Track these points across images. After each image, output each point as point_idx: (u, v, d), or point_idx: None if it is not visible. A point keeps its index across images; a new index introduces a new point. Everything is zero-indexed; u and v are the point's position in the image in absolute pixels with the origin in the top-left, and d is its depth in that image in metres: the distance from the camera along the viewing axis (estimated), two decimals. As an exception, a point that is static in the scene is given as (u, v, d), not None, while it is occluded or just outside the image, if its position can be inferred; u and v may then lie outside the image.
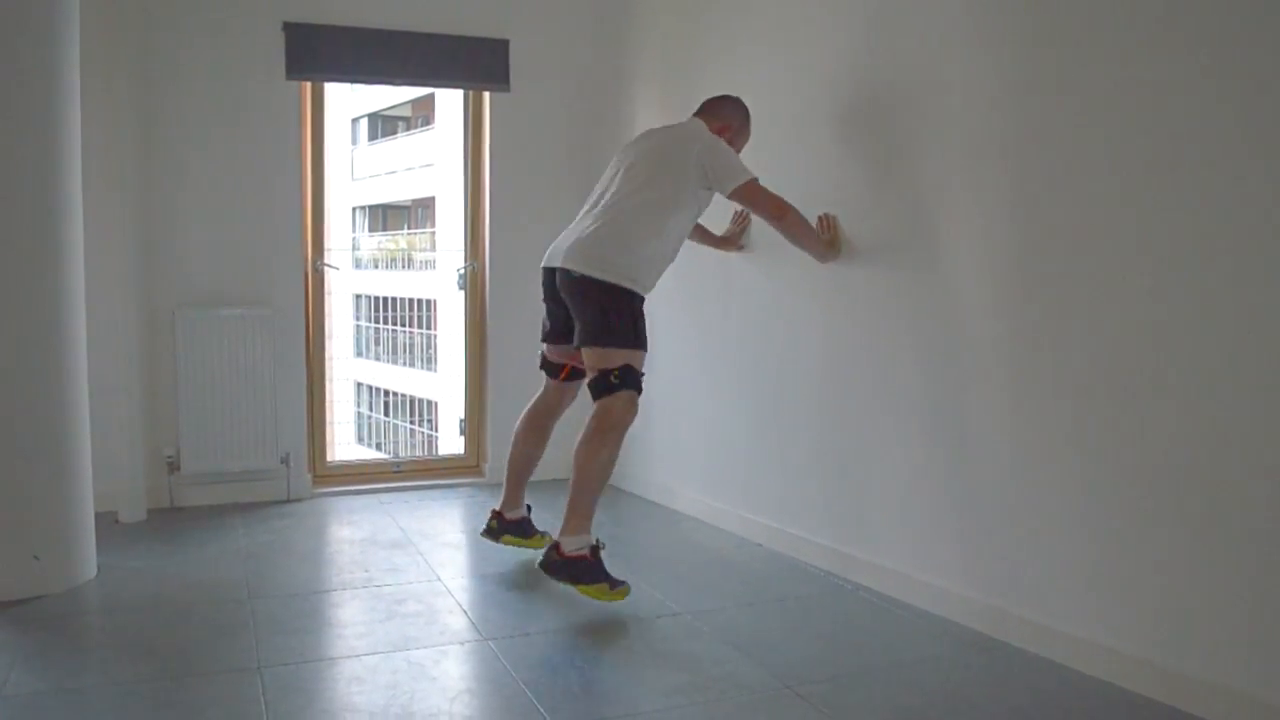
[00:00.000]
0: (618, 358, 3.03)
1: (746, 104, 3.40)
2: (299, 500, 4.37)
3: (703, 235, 3.65)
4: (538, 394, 3.49)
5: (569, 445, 3.65)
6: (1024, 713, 2.37)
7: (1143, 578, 2.42)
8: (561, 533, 3.00)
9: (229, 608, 3.02)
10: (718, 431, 3.99)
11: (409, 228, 17.55)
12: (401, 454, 11.43)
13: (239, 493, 4.31)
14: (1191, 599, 2.32)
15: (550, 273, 3.19)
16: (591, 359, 3.07)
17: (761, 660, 2.64)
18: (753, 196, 3.18)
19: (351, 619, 2.98)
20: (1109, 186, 2.46)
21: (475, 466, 4.86)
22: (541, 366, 3.45)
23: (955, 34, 2.87)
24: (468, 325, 4.87)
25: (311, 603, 3.10)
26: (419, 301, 13.22)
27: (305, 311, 4.45)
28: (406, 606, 3.05)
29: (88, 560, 3.27)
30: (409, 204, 17.40)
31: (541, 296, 3.30)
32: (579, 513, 3.01)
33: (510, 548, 3.51)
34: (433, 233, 15.72)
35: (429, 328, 13.12)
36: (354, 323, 14.83)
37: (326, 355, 4.67)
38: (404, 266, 14.97)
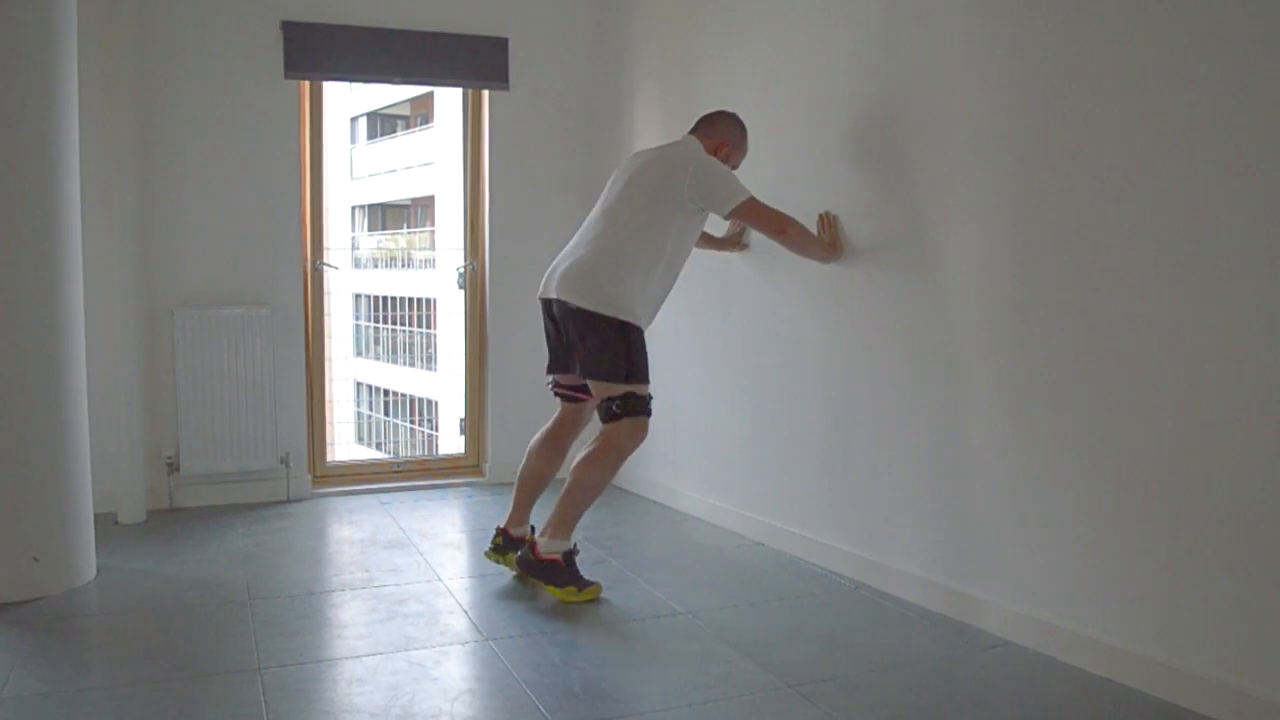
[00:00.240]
0: (617, 390, 3.06)
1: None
2: (299, 500, 4.37)
3: (704, 239, 3.62)
4: (555, 415, 3.44)
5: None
6: (1027, 710, 2.37)
7: (1143, 575, 2.42)
8: (541, 533, 3.13)
9: (229, 609, 3.01)
10: (718, 430, 3.98)
11: (408, 227, 17.54)
12: (401, 453, 11.42)
13: (239, 493, 4.30)
14: (1192, 596, 2.31)
15: (547, 302, 3.18)
16: (595, 388, 3.14)
17: (763, 659, 2.63)
18: (751, 215, 3.15)
19: (352, 619, 2.98)
20: (1108, 190, 2.45)
21: (475, 466, 4.86)
22: (556, 394, 3.40)
23: (957, 36, 2.86)
24: (468, 325, 4.87)
25: (312, 603, 3.09)
26: (419, 301, 13.21)
27: (305, 311, 4.45)
28: (407, 607, 3.04)
29: (87, 561, 3.26)
30: (408, 203, 17.39)
31: (542, 324, 3.28)
32: (562, 521, 3.10)
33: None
34: (432, 232, 15.70)
35: (429, 327, 13.11)
36: (354, 322, 14.81)
37: (326, 355, 4.67)
38: (403, 266, 14.95)
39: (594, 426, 3.49)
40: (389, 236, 17.62)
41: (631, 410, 3.05)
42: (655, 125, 4.31)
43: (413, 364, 13.46)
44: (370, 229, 18.22)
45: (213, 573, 3.38)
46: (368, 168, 17.83)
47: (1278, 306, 2.13)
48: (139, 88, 4.05)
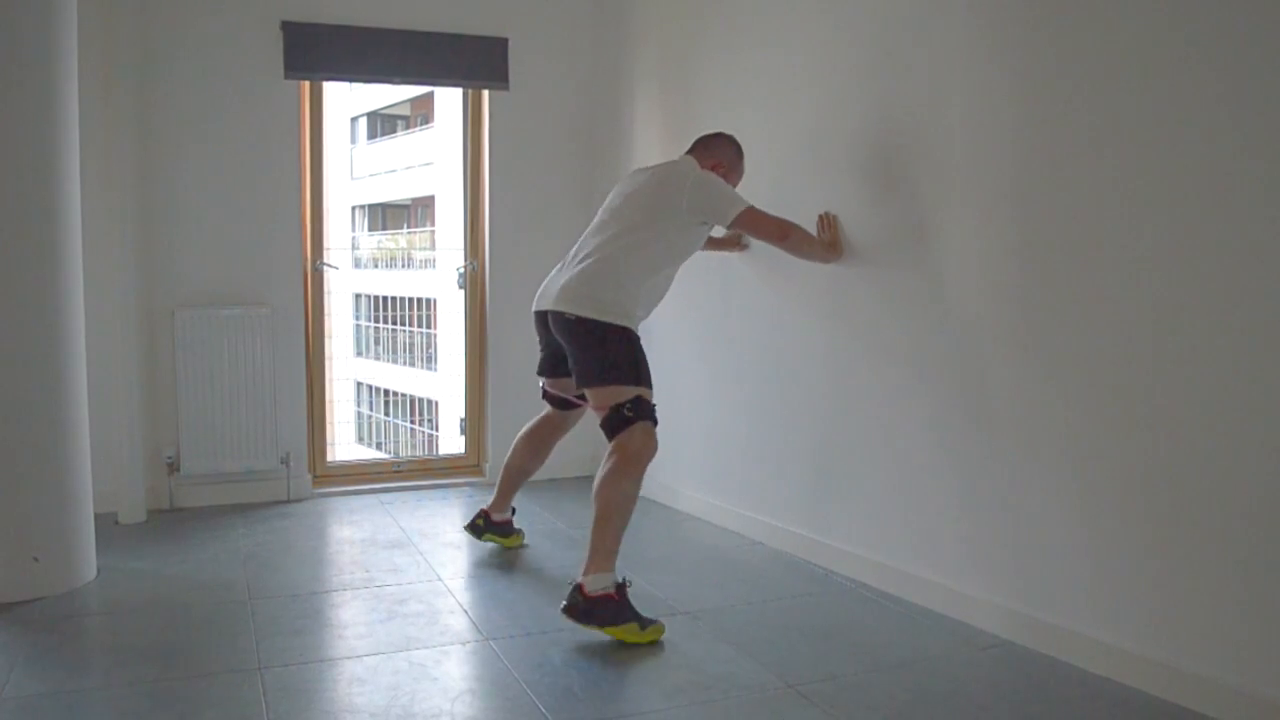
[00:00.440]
0: (626, 392, 2.91)
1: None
2: (299, 500, 4.37)
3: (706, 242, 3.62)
4: (543, 413, 3.51)
5: (563, 447, 3.67)
6: (1027, 710, 2.37)
7: (1146, 575, 2.42)
8: (584, 573, 2.79)
9: (229, 609, 3.02)
10: (718, 429, 3.98)
11: (408, 227, 17.54)
12: (402, 453, 11.41)
13: (239, 493, 4.30)
14: (1192, 596, 2.31)
15: (542, 315, 3.15)
16: (598, 398, 2.96)
17: (763, 659, 2.63)
18: (752, 223, 3.14)
19: (352, 619, 2.98)
20: (1108, 191, 2.45)
21: (475, 466, 4.86)
22: (544, 398, 3.46)
23: (958, 36, 2.86)
24: (468, 324, 4.87)
25: (312, 603, 3.09)
26: (419, 301, 13.20)
27: (305, 311, 4.45)
28: (407, 607, 3.04)
29: (87, 562, 3.26)
30: (408, 203, 17.39)
31: (536, 335, 3.28)
32: (601, 551, 2.81)
33: (497, 544, 3.63)
34: (432, 231, 15.71)
35: (429, 327, 13.10)
36: (354, 322, 14.81)
37: (326, 355, 4.66)
38: (404, 266, 14.95)
39: (580, 428, 3.52)
40: (389, 236, 17.63)
41: (644, 414, 2.92)
42: (655, 125, 4.31)
43: (413, 364, 13.46)
44: (370, 229, 18.23)
45: (213, 573, 3.38)
46: (368, 168, 17.83)
47: (1277, 307, 2.13)
48: (139, 88, 4.05)
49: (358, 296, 14.93)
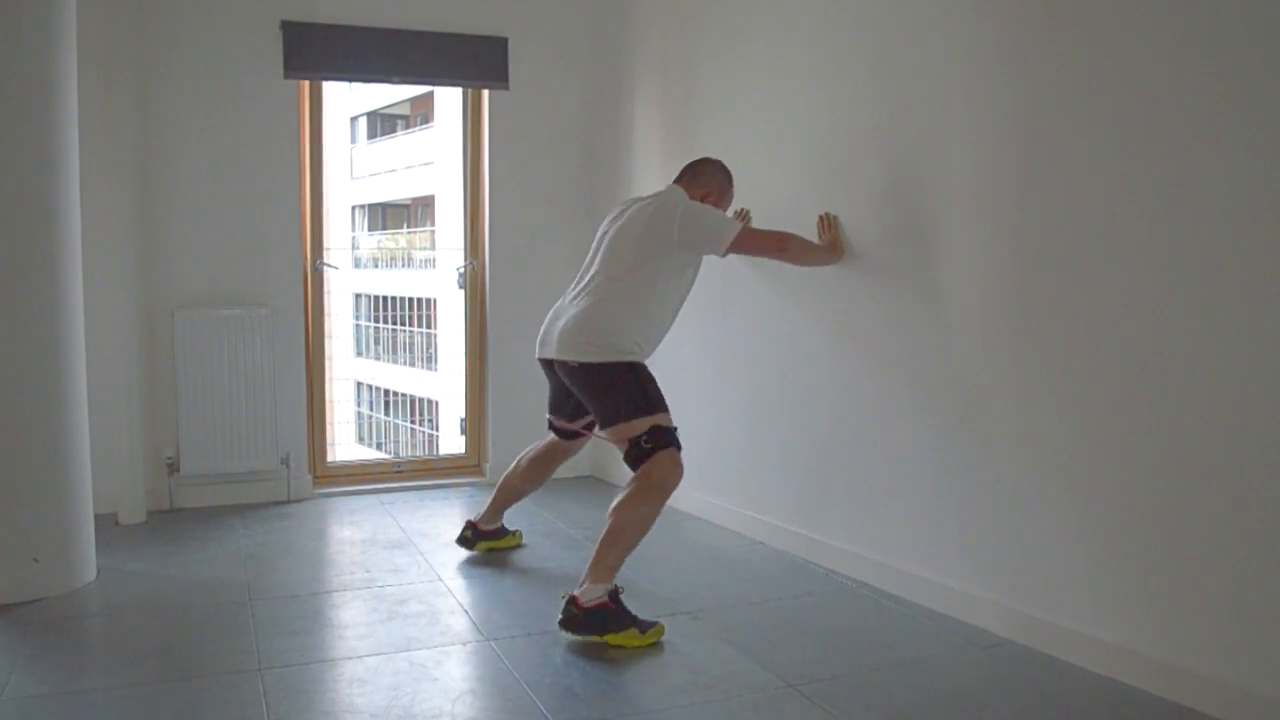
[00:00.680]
0: (640, 425, 2.90)
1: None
2: (299, 501, 4.37)
3: None
4: (549, 439, 3.48)
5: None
6: (1028, 710, 2.36)
7: (1143, 574, 2.41)
8: (580, 584, 2.81)
9: (229, 609, 3.01)
10: (718, 429, 3.98)
11: (408, 226, 17.54)
12: (402, 453, 11.41)
13: (239, 494, 4.30)
14: (1192, 594, 2.31)
15: (548, 362, 3.13)
16: (616, 435, 2.95)
17: (763, 659, 2.63)
18: (749, 244, 3.12)
19: (352, 620, 2.97)
20: (1108, 193, 2.45)
21: (476, 466, 4.86)
22: (549, 429, 3.43)
23: (959, 35, 2.86)
24: (468, 324, 4.87)
25: (312, 604, 3.09)
26: (419, 300, 13.20)
27: (305, 311, 4.45)
28: (408, 607, 3.04)
29: (87, 562, 3.26)
30: (408, 203, 17.39)
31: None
32: (601, 567, 2.80)
33: (495, 550, 3.62)
34: (432, 231, 15.71)
35: (429, 327, 13.11)
36: (354, 322, 14.81)
37: (326, 355, 4.66)
38: (404, 265, 14.95)
39: (584, 454, 3.48)
40: (389, 236, 17.63)
41: (663, 442, 2.88)
42: (655, 125, 4.31)
43: (413, 364, 13.46)
44: (370, 229, 18.23)
45: (213, 573, 3.38)
46: (368, 167, 17.83)
47: (1277, 307, 2.12)
48: (139, 88, 4.05)
49: (358, 296, 14.93)
